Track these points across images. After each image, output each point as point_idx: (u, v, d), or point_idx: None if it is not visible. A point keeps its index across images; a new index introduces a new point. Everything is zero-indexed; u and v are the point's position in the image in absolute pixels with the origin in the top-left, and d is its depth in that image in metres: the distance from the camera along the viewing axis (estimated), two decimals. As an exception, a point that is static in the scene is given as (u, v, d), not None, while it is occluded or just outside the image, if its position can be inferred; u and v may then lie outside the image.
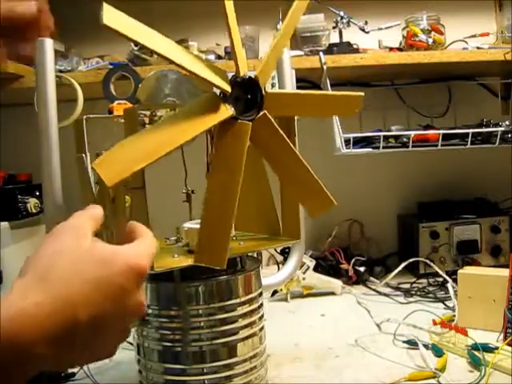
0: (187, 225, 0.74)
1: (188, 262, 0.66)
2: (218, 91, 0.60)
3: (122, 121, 0.70)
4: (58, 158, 0.70)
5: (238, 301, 0.70)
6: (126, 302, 0.45)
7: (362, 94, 0.71)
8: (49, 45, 0.71)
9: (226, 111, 0.60)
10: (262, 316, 0.75)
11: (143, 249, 0.49)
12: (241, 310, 0.70)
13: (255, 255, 0.81)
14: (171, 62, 0.55)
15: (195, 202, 0.76)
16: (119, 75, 0.85)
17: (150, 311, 0.70)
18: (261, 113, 0.63)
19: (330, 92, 0.72)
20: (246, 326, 0.71)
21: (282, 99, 0.68)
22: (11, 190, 1.14)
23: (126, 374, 0.84)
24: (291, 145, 0.66)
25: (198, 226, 0.71)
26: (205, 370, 0.68)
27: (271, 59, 0.66)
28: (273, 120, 0.64)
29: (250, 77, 0.62)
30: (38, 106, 0.71)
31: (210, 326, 0.68)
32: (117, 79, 0.85)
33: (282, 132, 0.65)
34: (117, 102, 0.76)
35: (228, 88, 0.60)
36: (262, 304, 0.75)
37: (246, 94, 0.63)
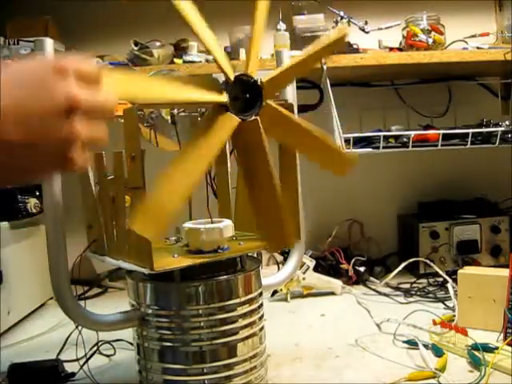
0: (187, 225, 0.74)
1: (188, 262, 0.66)
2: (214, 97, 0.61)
3: (122, 121, 0.70)
4: None
5: (237, 301, 0.70)
6: (48, 90, 0.43)
7: (357, 156, 0.72)
8: (49, 44, 0.70)
9: (221, 98, 0.61)
10: (262, 316, 0.75)
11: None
12: (241, 310, 0.70)
13: (255, 255, 0.81)
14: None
15: (194, 203, 0.76)
16: (119, 75, 0.85)
17: (149, 311, 0.70)
18: (253, 118, 0.64)
19: (327, 140, 0.71)
20: (245, 326, 0.71)
21: (277, 118, 0.68)
22: (11, 190, 1.14)
23: (126, 374, 0.84)
24: (269, 162, 0.66)
25: (198, 226, 0.72)
26: (205, 370, 0.68)
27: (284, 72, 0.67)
28: (262, 130, 0.64)
29: (255, 81, 0.63)
30: None
31: (209, 326, 0.68)
32: (117, 79, 0.85)
33: (264, 145, 0.65)
34: None
35: (231, 77, 0.61)
36: (261, 304, 0.75)
37: (245, 93, 0.63)
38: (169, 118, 0.74)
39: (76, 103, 0.44)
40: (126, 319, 0.71)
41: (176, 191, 0.59)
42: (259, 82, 0.64)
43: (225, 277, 0.69)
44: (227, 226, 0.72)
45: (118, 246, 0.70)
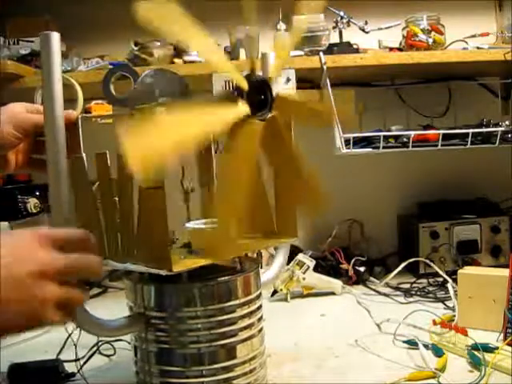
0: (190, 225, 0.74)
1: (202, 262, 0.66)
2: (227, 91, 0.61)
3: (103, 121, 0.71)
4: (64, 158, 0.67)
5: (237, 302, 0.69)
6: (26, 256, 0.49)
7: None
8: (55, 39, 0.65)
9: (244, 109, 0.61)
10: (261, 317, 0.75)
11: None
12: (240, 312, 0.70)
13: (255, 255, 0.81)
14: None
15: (192, 202, 0.76)
16: (119, 75, 0.85)
17: (148, 313, 0.69)
18: (270, 114, 0.64)
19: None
20: (245, 328, 0.70)
21: (290, 104, 0.69)
22: (11, 190, 1.14)
23: (126, 374, 0.83)
24: (293, 148, 0.66)
25: (202, 226, 0.71)
26: (204, 373, 0.68)
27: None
28: (280, 123, 0.65)
29: (263, 78, 0.63)
30: (44, 104, 0.66)
31: (208, 328, 0.68)
32: (117, 79, 0.85)
33: (287, 135, 0.65)
34: (94, 102, 0.76)
35: (245, 86, 0.61)
36: (261, 305, 0.75)
37: (259, 94, 0.63)
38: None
39: (45, 268, 0.50)
40: (130, 324, 0.70)
41: (234, 211, 0.62)
42: (267, 78, 0.64)
43: (224, 278, 0.69)
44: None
45: (124, 248, 0.69)
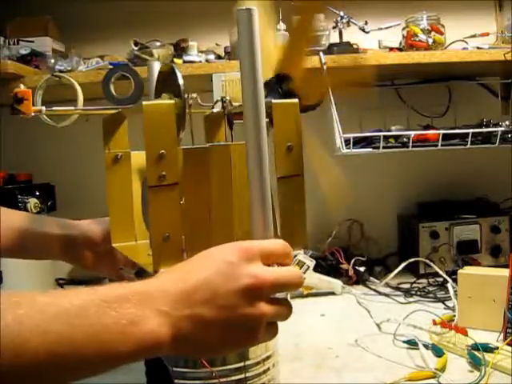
0: None
1: None
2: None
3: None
4: (266, 150, 0.55)
5: None
6: (233, 271, 0.47)
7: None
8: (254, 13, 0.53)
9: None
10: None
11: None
12: None
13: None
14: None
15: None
16: (119, 75, 0.85)
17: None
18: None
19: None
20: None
21: None
22: (11, 190, 1.14)
23: (129, 374, 0.83)
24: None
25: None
26: (213, 374, 0.66)
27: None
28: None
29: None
30: (242, 89, 0.54)
31: None
32: (117, 79, 0.85)
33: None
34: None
35: None
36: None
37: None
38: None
39: (259, 284, 0.48)
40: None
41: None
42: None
43: None
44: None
45: None
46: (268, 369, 0.71)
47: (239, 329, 0.48)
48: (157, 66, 0.80)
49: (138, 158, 0.78)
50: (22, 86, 0.71)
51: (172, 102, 0.60)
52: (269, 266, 0.51)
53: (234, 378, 0.67)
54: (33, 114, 0.71)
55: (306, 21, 0.65)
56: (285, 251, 0.53)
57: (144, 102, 0.60)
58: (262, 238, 0.54)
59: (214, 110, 0.74)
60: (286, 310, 0.52)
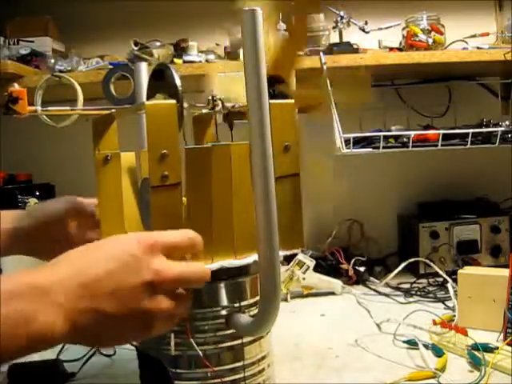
0: None
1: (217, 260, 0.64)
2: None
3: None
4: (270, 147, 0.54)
5: (246, 303, 0.68)
6: (135, 265, 0.47)
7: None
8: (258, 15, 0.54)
9: None
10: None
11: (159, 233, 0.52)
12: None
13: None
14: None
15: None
16: (119, 75, 0.86)
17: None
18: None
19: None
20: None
21: None
22: (11, 190, 1.14)
23: (126, 374, 0.84)
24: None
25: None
26: (209, 375, 0.66)
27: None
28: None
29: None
30: (246, 87, 0.54)
31: (215, 330, 0.66)
32: (117, 79, 0.85)
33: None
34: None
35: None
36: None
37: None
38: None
39: (160, 280, 0.48)
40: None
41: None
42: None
43: (238, 279, 0.67)
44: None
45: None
46: (263, 369, 0.71)
47: (136, 322, 0.49)
48: (144, 67, 0.80)
49: (128, 158, 0.78)
50: (16, 86, 0.71)
51: (174, 102, 0.60)
52: (183, 258, 0.53)
53: (228, 378, 0.67)
54: (27, 114, 0.71)
55: (298, 22, 0.65)
56: (191, 243, 0.53)
57: (147, 103, 0.60)
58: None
59: (204, 111, 0.74)
60: (184, 306, 0.53)
